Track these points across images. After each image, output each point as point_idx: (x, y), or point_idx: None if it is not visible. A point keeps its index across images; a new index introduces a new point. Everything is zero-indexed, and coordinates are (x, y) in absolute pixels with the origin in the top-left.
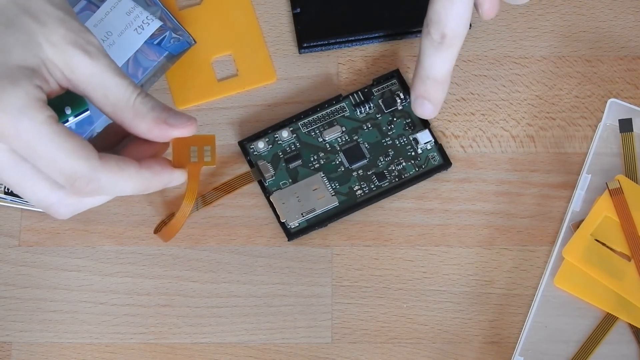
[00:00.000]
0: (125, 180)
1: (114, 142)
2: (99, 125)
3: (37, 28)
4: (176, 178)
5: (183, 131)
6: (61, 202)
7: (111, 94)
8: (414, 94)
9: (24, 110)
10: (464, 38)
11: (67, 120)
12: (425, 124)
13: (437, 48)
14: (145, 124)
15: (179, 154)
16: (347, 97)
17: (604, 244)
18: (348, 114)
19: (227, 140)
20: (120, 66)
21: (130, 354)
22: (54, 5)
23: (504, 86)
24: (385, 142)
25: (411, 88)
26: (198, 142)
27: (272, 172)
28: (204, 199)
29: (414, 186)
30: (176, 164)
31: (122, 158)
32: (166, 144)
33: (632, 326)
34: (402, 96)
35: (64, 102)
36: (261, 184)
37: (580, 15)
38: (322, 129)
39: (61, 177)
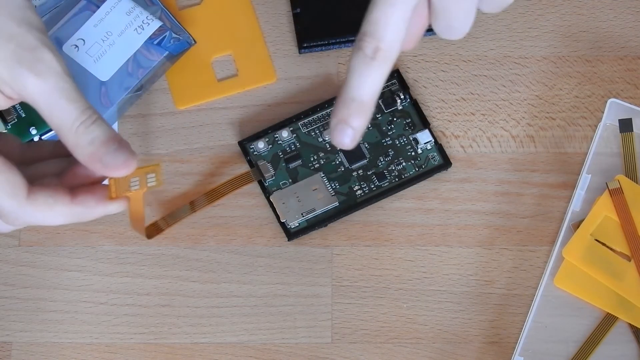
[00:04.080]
0: (53, 216)
1: None
2: None
3: None
4: (112, 210)
5: (115, 173)
6: None
7: (55, 117)
8: (335, 119)
9: None
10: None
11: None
12: (425, 124)
13: (368, 64)
14: (81, 157)
15: (116, 187)
16: None
17: (604, 244)
18: None
19: (227, 140)
20: (120, 66)
21: (130, 354)
22: (9, 17)
23: (504, 86)
24: (385, 142)
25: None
26: (140, 172)
27: (272, 172)
28: (204, 199)
29: (414, 186)
30: (113, 196)
31: (53, 193)
32: None
33: (632, 326)
34: (402, 96)
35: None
36: (261, 184)
37: (580, 15)
38: (322, 129)
39: None
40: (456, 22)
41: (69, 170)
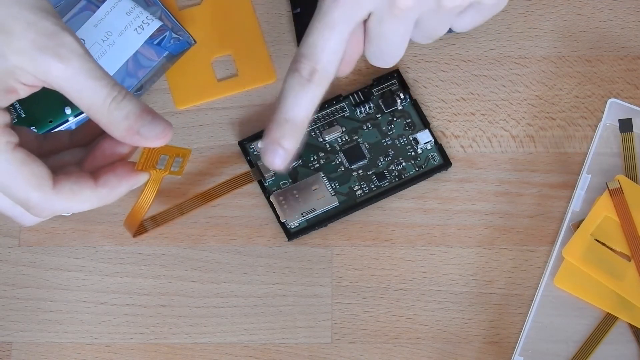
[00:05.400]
0: (80, 202)
1: (97, 132)
2: None
3: (1, 38)
4: (136, 182)
5: (154, 143)
6: (23, 215)
7: (85, 97)
8: (268, 139)
9: None
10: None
11: (67, 120)
12: (425, 124)
13: (303, 86)
14: (117, 132)
15: (146, 160)
16: (347, 97)
17: (604, 244)
18: (348, 114)
19: (227, 140)
20: (120, 66)
21: (130, 354)
22: (24, 6)
23: (504, 86)
24: (385, 142)
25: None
26: (171, 152)
27: (272, 172)
28: (205, 199)
29: (414, 186)
30: (139, 168)
31: (77, 180)
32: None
33: (632, 326)
34: (402, 96)
35: (64, 102)
36: (261, 184)
37: (580, 15)
38: (322, 129)
39: (16, 202)
40: (389, 48)
41: (88, 156)
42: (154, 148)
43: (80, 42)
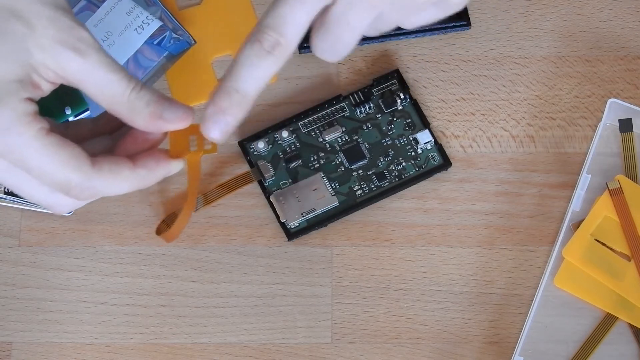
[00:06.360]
0: (120, 182)
1: (120, 122)
2: None
3: (26, 32)
4: (173, 169)
5: (179, 125)
6: (58, 202)
7: (105, 90)
8: (213, 108)
9: (12, 128)
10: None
11: (67, 120)
12: (425, 124)
13: (263, 58)
14: (141, 120)
15: (177, 144)
16: (347, 97)
17: (604, 244)
18: (348, 114)
19: (227, 140)
20: None
21: (130, 354)
22: (43, 3)
23: (504, 86)
24: (385, 142)
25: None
26: (197, 130)
27: (272, 172)
28: (204, 199)
29: (414, 186)
30: (173, 155)
31: (115, 160)
32: (166, 133)
33: (632, 326)
34: (402, 96)
35: (64, 102)
36: (261, 184)
37: (580, 15)
38: (322, 129)
39: (56, 187)
40: (347, 38)
41: (119, 145)
42: (179, 131)
43: (95, 37)
